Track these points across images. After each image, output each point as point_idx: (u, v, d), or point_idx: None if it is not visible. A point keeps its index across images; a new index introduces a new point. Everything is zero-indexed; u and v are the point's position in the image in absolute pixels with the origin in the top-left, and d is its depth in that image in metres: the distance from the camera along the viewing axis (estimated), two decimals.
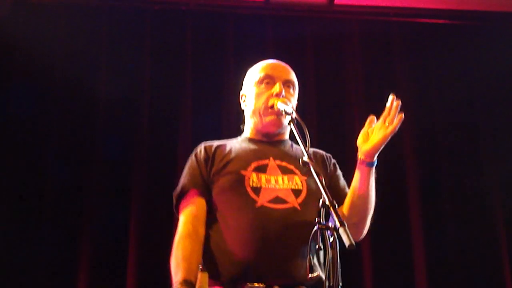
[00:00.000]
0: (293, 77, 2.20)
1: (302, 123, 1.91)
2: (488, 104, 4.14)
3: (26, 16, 3.85)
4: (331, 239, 1.54)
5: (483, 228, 3.87)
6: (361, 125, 4.04)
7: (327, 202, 1.62)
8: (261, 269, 1.87)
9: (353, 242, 1.47)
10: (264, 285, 1.86)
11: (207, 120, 3.79)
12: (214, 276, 1.90)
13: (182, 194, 2.06)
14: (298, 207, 1.98)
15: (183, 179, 2.09)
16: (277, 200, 1.97)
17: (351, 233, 1.49)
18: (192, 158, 2.12)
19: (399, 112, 1.93)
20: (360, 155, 1.96)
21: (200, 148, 2.14)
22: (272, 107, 2.08)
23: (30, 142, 3.65)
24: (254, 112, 2.14)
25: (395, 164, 3.76)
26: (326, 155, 2.21)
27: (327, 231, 1.57)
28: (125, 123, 3.80)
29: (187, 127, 3.79)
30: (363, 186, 1.98)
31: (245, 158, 2.06)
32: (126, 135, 3.78)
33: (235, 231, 1.93)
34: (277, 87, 2.11)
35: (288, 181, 2.02)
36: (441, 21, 4.29)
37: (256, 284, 1.85)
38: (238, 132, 2.26)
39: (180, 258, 1.90)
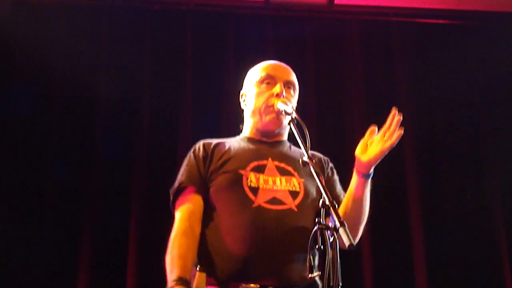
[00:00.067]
0: (294, 78, 2.20)
1: (302, 123, 1.91)
2: (488, 104, 4.14)
3: (26, 16, 3.85)
4: (331, 239, 1.54)
5: (483, 228, 3.87)
6: (361, 125, 4.06)
7: (327, 202, 1.62)
8: (256, 269, 1.87)
9: (353, 242, 1.47)
10: (259, 286, 1.85)
11: (207, 120, 3.80)
12: (208, 274, 1.89)
13: (179, 191, 2.05)
14: (295, 209, 1.98)
15: (181, 175, 2.08)
16: (274, 201, 1.97)
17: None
18: (190, 155, 2.12)
19: (399, 128, 1.92)
20: (357, 166, 1.96)
21: (199, 145, 2.13)
22: (272, 106, 2.08)
23: (30, 142, 3.65)
24: (254, 111, 2.14)
25: (395, 164, 3.76)
26: (324, 159, 2.21)
27: (327, 231, 1.57)
28: (125, 123, 3.80)
29: (187, 127, 3.80)
30: (357, 195, 1.98)
31: (243, 158, 2.06)
32: (126, 135, 3.78)
33: (231, 230, 1.93)
34: (277, 88, 2.11)
35: (286, 183, 2.02)
36: (441, 21, 4.29)
37: (251, 285, 1.85)
38: (238, 132, 2.26)
39: (175, 256, 1.89)
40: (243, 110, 2.25)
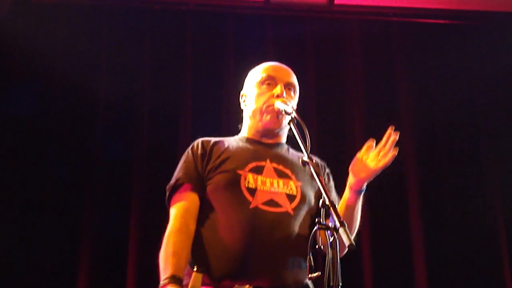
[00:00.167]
0: (294, 80, 2.20)
1: (302, 123, 1.91)
2: (488, 104, 4.14)
3: (26, 16, 3.85)
4: (331, 239, 1.55)
5: (483, 228, 3.87)
6: (361, 125, 4.05)
7: (327, 202, 1.62)
8: (250, 270, 1.87)
9: (353, 242, 1.47)
10: (253, 287, 1.85)
11: (207, 120, 3.80)
12: (203, 273, 1.89)
13: (176, 188, 2.04)
14: (291, 212, 1.97)
15: (178, 172, 2.07)
16: (272, 203, 1.96)
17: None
18: (188, 152, 2.11)
19: (394, 148, 1.93)
20: (350, 180, 1.97)
21: (198, 142, 2.13)
22: (272, 106, 2.08)
23: (30, 142, 3.66)
24: (254, 112, 2.14)
25: (395, 165, 3.75)
26: (321, 164, 2.20)
27: (327, 231, 1.57)
28: (125, 123, 3.80)
29: (187, 127, 3.80)
30: (349, 209, 1.99)
31: (242, 158, 2.05)
32: (126, 135, 3.78)
33: (227, 230, 1.93)
34: (278, 89, 2.11)
35: (283, 185, 2.02)
36: (441, 21, 4.29)
37: (246, 286, 1.85)
38: (238, 132, 2.26)
39: (169, 253, 1.89)
40: (242, 111, 2.25)
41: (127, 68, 3.83)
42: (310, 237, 1.65)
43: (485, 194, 3.96)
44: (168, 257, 1.88)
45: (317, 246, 1.65)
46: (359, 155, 1.96)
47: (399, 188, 3.89)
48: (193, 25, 4.05)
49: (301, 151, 1.85)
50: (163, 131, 3.82)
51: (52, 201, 3.56)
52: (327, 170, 2.20)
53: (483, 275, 3.77)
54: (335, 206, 1.62)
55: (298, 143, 1.86)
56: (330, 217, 1.59)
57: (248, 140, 2.17)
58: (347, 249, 1.50)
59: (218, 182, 2.01)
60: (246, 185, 1.98)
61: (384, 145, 1.94)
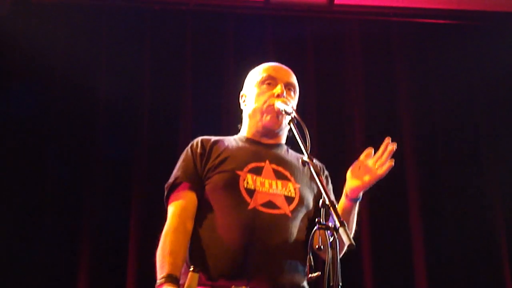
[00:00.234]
0: (294, 80, 2.20)
1: (302, 123, 1.90)
2: (488, 104, 4.14)
3: (26, 16, 3.85)
4: (331, 239, 1.55)
5: (483, 228, 3.87)
6: (361, 125, 4.05)
7: (327, 202, 1.62)
8: (247, 271, 1.86)
9: (353, 242, 1.47)
10: None
11: (207, 120, 3.80)
12: (201, 271, 1.89)
13: (174, 186, 2.04)
14: (289, 215, 1.97)
15: (177, 171, 2.07)
16: (270, 204, 1.96)
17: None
18: (188, 150, 2.10)
19: (390, 159, 1.92)
20: (346, 187, 1.97)
21: (197, 141, 2.12)
22: (272, 106, 2.08)
23: (30, 142, 3.66)
24: (254, 111, 2.14)
25: (395, 164, 3.75)
26: (320, 165, 2.20)
27: (327, 231, 1.57)
28: (125, 123, 3.80)
29: (187, 127, 3.80)
30: (345, 215, 1.97)
31: (241, 158, 2.05)
32: (126, 135, 3.78)
33: (225, 230, 1.92)
34: (278, 88, 2.11)
35: (282, 187, 2.02)
36: (441, 21, 4.29)
37: (243, 287, 1.85)
38: (237, 132, 2.26)
39: (166, 252, 1.88)
40: (242, 111, 2.25)
41: (127, 68, 3.83)
42: (310, 237, 1.65)
43: (485, 194, 3.96)
44: (165, 256, 1.88)
45: (316, 246, 1.65)
46: (356, 162, 1.96)
47: (399, 188, 3.88)
48: (193, 25, 4.05)
49: (301, 152, 1.85)
50: (163, 131, 3.82)
51: (52, 201, 3.56)
52: (326, 173, 2.20)
53: (483, 275, 3.77)
54: (335, 206, 1.62)
55: (298, 143, 1.86)
56: (330, 217, 1.59)
57: (248, 140, 2.16)
58: (347, 249, 1.50)
59: (216, 182, 2.00)
60: (245, 186, 1.97)
61: (381, 155, 1.93)
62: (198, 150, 2.08)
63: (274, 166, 2.07)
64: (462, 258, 3.78)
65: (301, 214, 2.01)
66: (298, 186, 2.04)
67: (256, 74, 2.20)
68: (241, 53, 3.94)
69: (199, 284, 1.84)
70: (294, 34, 4.14)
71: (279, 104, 2.04)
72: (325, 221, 1.60)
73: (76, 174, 3.67)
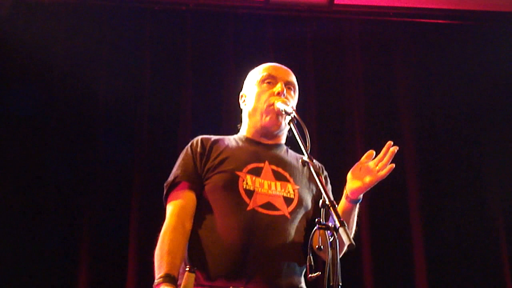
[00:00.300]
0: (294, 80, 2.20)
1: (302, 123, 1.90)
2: (488, 104, 4.14)
3: (26, 16, 3.85)
4: (331, 239, 1.54)
5: (483, 228, 3.87)
6: (361, 125, 4.04)
7: (327, 202, 1.62)
8: (245, 272, 1.87)
9: (353, 242, 1.47)
10: None
11: (207, 120, 3.80)
12: (199, 271, 1.89)
13: (173, 185, 2.03)
14: (288, 216, 1.97)
15: (176, 169, 2.07)
16: (269, 206, 1.96)
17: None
18: (187, 149, 2.10)
19: (390, 163, 1.92)
20: (347, 188, 1.97)
21: (197, 140, 2.12)
22: (272, 106, 2.07)
23: (30, 142, 3.65)
24: (254, 111, 2.14)
25: (395, 163, 3.75)
26: (319, 165, 2.20)
27: (327, 231, 1.57)
28: (125, 123, 3.80)
29: (187, 127, 3.80)
30: (345, 217, 1.97)
31: (241, 159, 2.05)
32: (126, 135, 3.78)
33: (223, 231, 1.92)
34: (279, 86, 2.11)
35: (281, 188, 2.02)
36: (441, 21, 4.29)
37: None
38: (237, 132, 2.26)
39: (164, 252, 1.88)
40: (242, 111, 2.25)
41: (127, 68, 3.83)
42: (310, 237, 1.65)
43: (485, 194, 3.96)
44: (163, 255, 1.88)
45: (316, 247, 1.65)
46: (358, 164, 1.96)
47: (399, 188, 3.88)
48: (193, 25, 4.04)
49: (301, 152, 1.85)
50: (163, 131, 3.82)
51: (52, 201, 3.56)
52: (325, 173, 2.20)
53: (483, 275, 3.77)
54: (335, 206, 1.62)
55: (297, 143, 1.86)
56: (330, 217, 1.59)
57: (248, 140, 2.16)
58: (347, 249, 1.50)
59: (216, 182, 2.00)
60: (244, 187, 1.97)
61: (383, 157, 1.93)
62: (198, 149, 2.08)
63: (273, 167, 2.06)
64: (462, 258, 3.78)
65: (300, 216, 2.01)
66: (297, 187, 2.04)
67: (256, 74, 2.20)
68: (241, 53, 3.94)
69: (197, 284, 1.84)
70: (294, 34, 4.14)
71: (279, 105, 2.04)
72: (325, 221, 1.60)
73: (76, 174, 3.66)
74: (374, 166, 1.93)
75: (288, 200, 2.00)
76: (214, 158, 2.05)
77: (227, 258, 1.88)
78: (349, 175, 1.96)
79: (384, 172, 1.92)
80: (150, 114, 3.83)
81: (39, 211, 3.52)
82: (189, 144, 2.12)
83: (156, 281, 1.83)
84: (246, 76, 2.26)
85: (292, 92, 2.16)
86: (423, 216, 3.85)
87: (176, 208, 1.99)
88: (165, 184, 2.07)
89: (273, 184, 2.01)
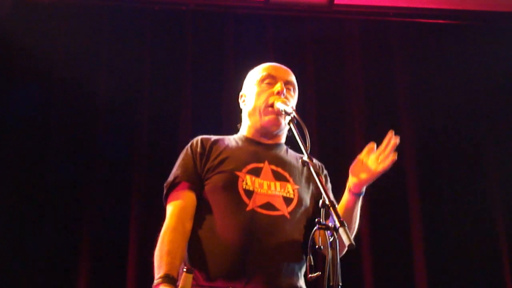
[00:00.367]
0: (294, 79, 2.20)
1: (302, 123, 1.90)
2: (488, 104, 4.14)
3: (26, 16, 3.85)
4: (331, 239, 1.55)
5: (483, 228, 3.87)
6: (361, 125, 4.05)
7: (327, 202, 1.62)
8: (245, 272, 1.86)
9: (353, 242, 1.47)
10: None
11: (207, 120, 3.80)
12: (195, 273, 1.88)
13: (173, 185, 2.03)
14: (288, 216, 1.97)
15: (176, 170, 2.07)
16: (268, 206, 1.96)
17: None
18: (187, 149, 2.10)
19: (393, 153, 1.92)
20: (349, 183, 1.97)
21: (197, 140, 2.12)
22: (272, 106, 2.07)
23: (30, 142, 3.65)
24: (254, 110, 2.13)
25: (395, 164, 3.75)
26: (319, 164, 2.20)
27: (327, 231, 1.57)
28: (125, 123, 3.80)
29: (187, 127, 3.80)
30: (348, 210, 1.98)
31: (240, 159, 2.05)
32: (126, 135, 3.78)
33: (223, 231, 1.92)
34: (278, 86, 2.11)
35: (281, 188, 2.01)
36: (441, 21, 4.29)
37: None
38: (237, 132, 2.26)
39: (164, 252, 1.88)
40: (241, 110, 2.25)
41: (127, 68, 3.83)
42: (310, 237, 1.65)
43: (485, 194, 3.96)
44: (162, 256, 1.88)
45: (316, 247, 1.65)
46: (359, 157, 1.95)
47: (399, 188, 3.88)
48: (193, 25, 4.04)
49: (301, 152, 1.85)
50: (163, 131, 3.82)
51: (52, 201, 3.56)
52: (325, 172, 2.20)
53: (483, 275, 3.77)
54: (335, 206, 1.62)
55: (297, 143, 1.86)
56: (330, 217, 1.59)
57: (248, 139, 2.16)
58: (346, 249, 1.50)
59: (215, 182, 2.00)
60: (244, 187, 1.97)
61: (384, 149, 1.93)
62: (198, 149, 2.08)
63: (273, 167, 2.06)
64: (462, 258, 3.78)
65: (299, 215, 2.01)
66: (297, 187, 2.04)
67: (256, 73, 2.20)
68: (241, 53, 3.94)
69: (197, 285, 1.84)
70: (294, 34, 4.14)
71: (279, 105, 2.04)
72: (325, 221, 1.60)
73: (76, 174, 3.66)
74: (376, 158, 1.93)
75: (287, 200, 2.00)
76: (214, 158, 2.05)
77: (227, 259, 1.88)
78: (351, 169, 1.96)
79: (387, 163, 1.91)
80: (150, 113, 3.83)
81: (38, 211, 3.52)
82: (189, 144, 2.12)
83: (155, 281, 1.83)
84: (246, 76, 2.26)
85: (291, 92, 2.16)
86: (423, 216, 3.85)
87: (176, 209, 1.99)
88: (165, 185, 2.07)
89: (272, 184, 2.01)
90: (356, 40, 4.20)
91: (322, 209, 1.62)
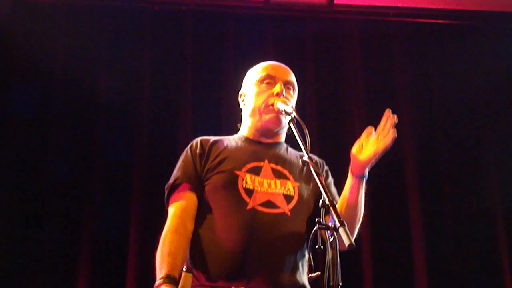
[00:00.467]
0: (293, 79, 2.20)
1: (302, 122, 1.91)
2: (488, 104, 4.14)
3: (26, 16, 3.85)
4: (331, 239, 1.55)
5: (483, 229, 3.87)
6: (361, 125, 4.05)
7: (327, 202, 1.62)
8: (246, 271, 1.87)
9: (353, 242, 1.47)
10: None
11: (207, 120, 3.80)
12: (197, 273, 1.89)
13: (174, 187, 2.04)
14: (289, 213, 1.97)
15: (176, 171, 2.08)
16: (269, 204, 1.96)
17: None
18: (187, 151, 2.11)
19: (393, 130, 1.91)
20: (352, 166, 1.97)
21: (196, 141, 2.13)
22: (272, 105, 2.08)
23: (30, 142, 3.65)
24: (253, 110, 2.14)
25: (395, 164, 3.76)
26: (319, 161, 2.20)
27: (326, 231, 1.57)
28: (125, 123, 3.80)
29: (187, 127, 3.79)
30: (352, 196, 1.98)
31: (240, 158, 2.05)
32: (126, 135, 3.78)
33: (224, 231, 1.93)
34: (278, 87, 2.11)
35: (281, 186, 2.02)
36: (441, 21, 4.29)
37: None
38: (237, 132, 2.26)
39: (165, 253, 1.89)
40: (241, 110, 2.25)
41: (127, 68, 3.83)
42: (310, 237, 1.65)
43: (485, 194, 3.96)
44: (164, 256, 1.88)
45: (317, 246, 1.65)
46: (359, 140, 1.96)
47: (399, 188, 3.88)
48: (193, 25, 4.04)
49: (301, 149, 1.85)
50: (163, 131, 3.82)
51: (52, 201, 3.56)
52: (326, 167, 2.20)
53: (483, 275, 3.77)
54: (335, 206, 1.62)
55: (297, 143, 1.86)
56: (330, 217, 1.59)
57: (247, 139, 2.17)
58: (347, 249, 1.50)
59: (215, 182, 2.01)
60: (244, 186, 1.98)
61: (383, 128, 1.92)
62: (198, 150, 2.08)
63: (273, 165, 2.07)
64: (462, 258, 3.78)
65: (300, 213, 2.01)
66: (297, 184, 2.04)
67: (255, 73, 2.20)
68: (241, 53, 3.94)
69: (199, 285, 1.84)
70: (294, 34, 4.14)
71: (279, 105, 2.04)
72: (325, 221, 1.60)
73: (76, 174, 3.66)
74: (376, 138, 1.92)
75: (288, 198, 2.00)
76: (214, 159, 2.05)
77: (228, 258, 1.89)
78: (353, 150, 1.95)
79: (387, 141, 1.90)
80: (150, 114, 3.83)
81: (38, 211, 3.52)
82: (189, 146, 2.13)
83: (157, 282, 1.84)
84: (245, 76, 2.26)
85: (291, 92, 2.16)
86: (423, 216, 3.85)
87: (178, 210, 1.99)
88: (166, 186, 2.08)
89: (272, 182, 2.02)
90: (356, 40, 4.20)
91: (322, 209, 1.62)
